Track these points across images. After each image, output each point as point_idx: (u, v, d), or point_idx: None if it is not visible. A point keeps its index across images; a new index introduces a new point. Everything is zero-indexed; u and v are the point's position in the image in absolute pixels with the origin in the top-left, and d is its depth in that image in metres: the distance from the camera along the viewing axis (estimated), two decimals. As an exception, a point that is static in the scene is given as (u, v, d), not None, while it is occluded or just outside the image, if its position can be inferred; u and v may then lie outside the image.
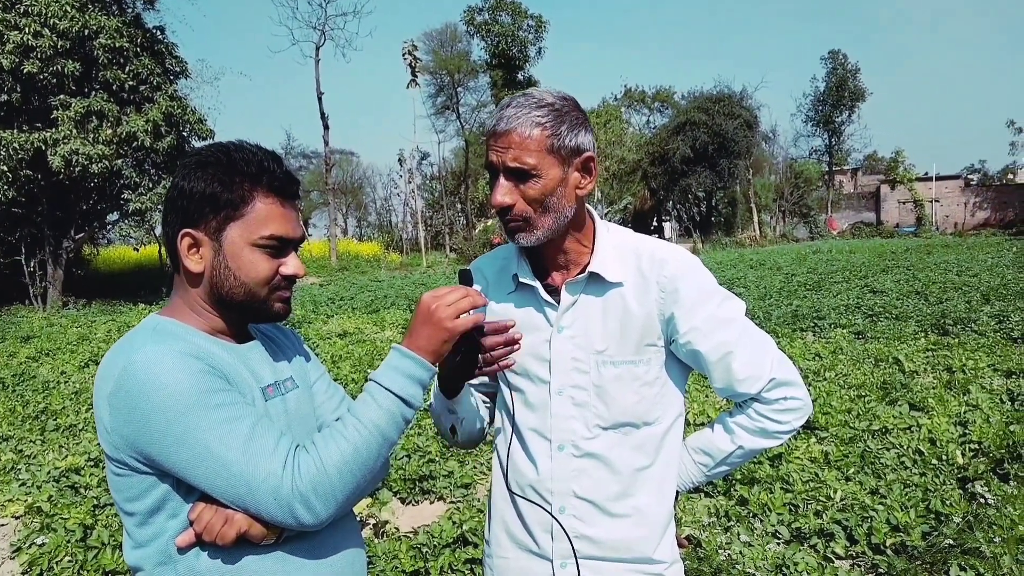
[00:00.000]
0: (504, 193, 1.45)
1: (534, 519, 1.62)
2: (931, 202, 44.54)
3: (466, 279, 1.44)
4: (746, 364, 1.54)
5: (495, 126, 1.45)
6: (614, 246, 1.58)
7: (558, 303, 1.57)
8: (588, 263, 1.55)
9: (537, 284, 1.58)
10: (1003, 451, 4.66)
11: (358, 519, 4.32)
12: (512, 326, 1.46)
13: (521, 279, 1.59)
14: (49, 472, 5.18)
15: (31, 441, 6.13)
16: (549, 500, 1.59)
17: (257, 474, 1.18)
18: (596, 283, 1.55)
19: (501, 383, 1.68)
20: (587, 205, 1.59)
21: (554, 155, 1.43)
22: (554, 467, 1.58)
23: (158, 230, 19.83)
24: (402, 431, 1.33)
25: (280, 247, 1.34)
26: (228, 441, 1.18)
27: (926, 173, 46.28)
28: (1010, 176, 47.79)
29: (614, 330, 1.54)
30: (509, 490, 1.67)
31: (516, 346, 1.47)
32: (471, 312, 1.36)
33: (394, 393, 1.30)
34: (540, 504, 1.60)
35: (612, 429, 1.56)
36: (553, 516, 1.58)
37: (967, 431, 5.17)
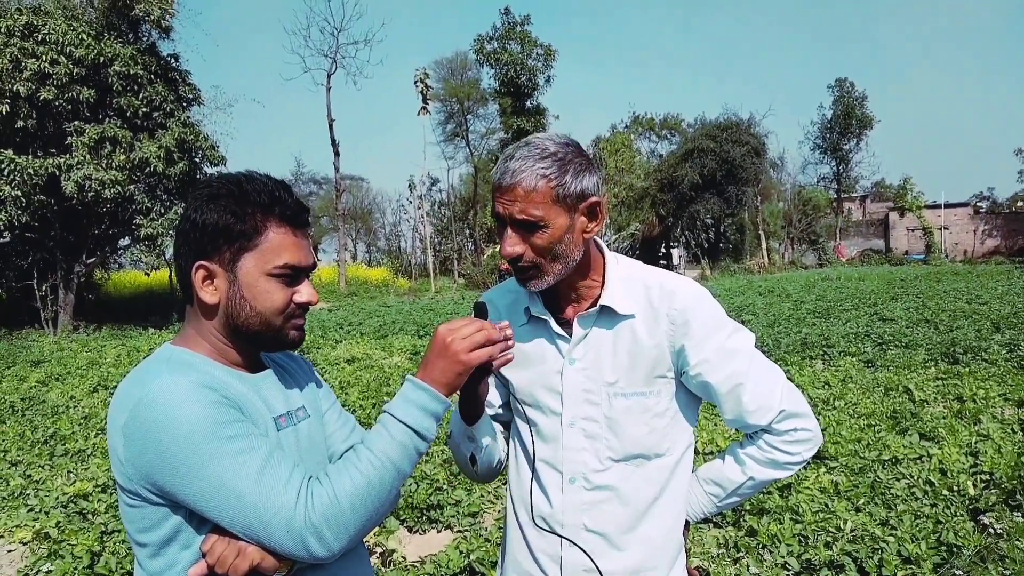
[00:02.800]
0: (513, 244, 1.48)
1: (543, 550, 1.62)
2: (940, 229, 44.46)
3: (481, 312, 1.46)
4: (756, 395, 1.55)
5: (500, 180, 1.47)
6: (624, 278, 1.59)
7: (570, 335, 1.58)
8: (599, 296, 1.57)
9: (549, 317, 1.60)
10: (1015, 482, 4.61)
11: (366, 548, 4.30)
12: (509, 331, 1.43)
13: (533, 312, 1.61)
14: (57, 498, 5.19)
15: (40, 466, 6.14)
16: (559, 533, 1.60)
17: (270, 506, 1.18)
18: (607, 316, 1.57)
19: (515, 415, 1.69)
20: (597, 239, 1.61)
21: (560, 204, 1.45)
22: (565, 500, 1.59)
23: (169, 255, 19.93)
24: (415, 464, 1.34)
25: (294, 275, 1.36)
26: (241, 473, 1.18)
27: (935, 201, 46.26)
28: (1019, 203, 47.80)
29: (624, 362, 1.56)
30: (517, 522, 1.68)
31: (511, 343, 1.43)
32: (486, 345, 1.37)
33: (408, 426, 1.31)
34: (554, 532, 1.60)
35: (624, 461, 1.57)
36: (569, 540, 1.58)
37: (978, 461, 5.12)
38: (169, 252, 19.48)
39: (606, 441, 1.57)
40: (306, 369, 1.58)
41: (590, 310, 1.57)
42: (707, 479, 1.67)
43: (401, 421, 1.31)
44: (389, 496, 1.29)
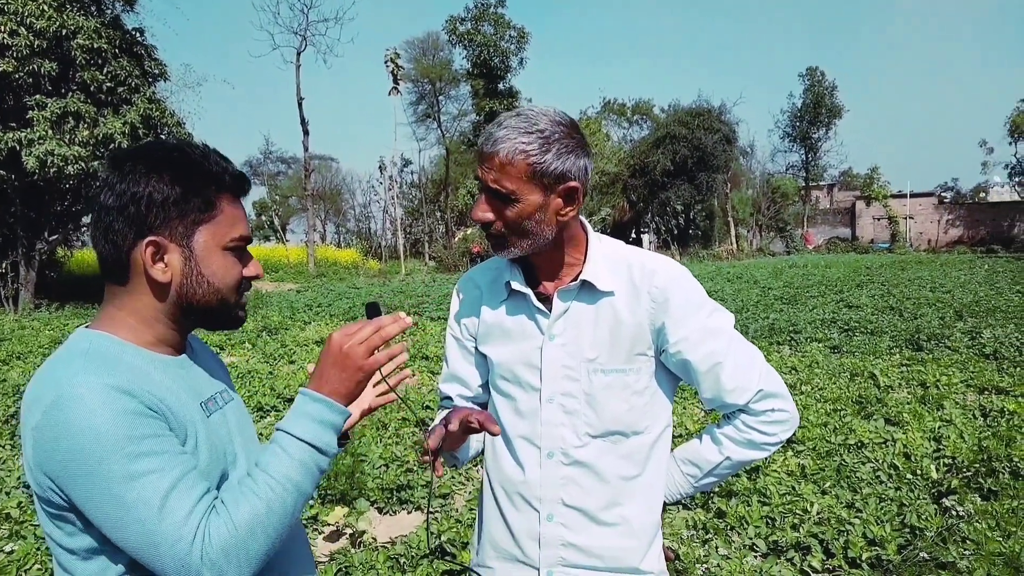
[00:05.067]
0: (484, 211, 1.47)
1: (521, 527, 1.62)
2: (905, 219, 45.18)
3: (374, 312, 1.37)
4: (735, 375, 1.55)
5: (483, 145, 1.44)
6: (605, 256, 1.58)
7: (550, 311, 1.57)
8: (580, 272, 1.56)
9: (529, 291, 1.58)
10: (976, 466, 4.72)
11: (335, 529, 4.28)
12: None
13: (514, 286, 1.59)
14: (19, 478, 5.09)
15: (0, 446, 6.01)
16: (537, 508, 1.59)
17: (166, 537, 1.09)
18: (588, 291, 1.56)
19: (492, 390, 1.68)
20: (580, 217, 1.59)
21: (534, 181, 1.42)
22: (543, 474, 1.58)
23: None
24: (317, 481, 1.24)
25: (244, 248, 1.31)
26: (144, 496, 1.09)
27: (900, 190, 47.00)
28: (982, 194, 48.75)
29: (605, 338, 1.55)
30: (494, 499, 1.67)
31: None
32: (384, 346, 1.29)
33: (306, 442, 1.21)
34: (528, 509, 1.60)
35: (601, 437, 1.57)
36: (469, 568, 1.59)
37: (941, 446, 5.23)
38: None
39: (585, 417, 1.56)
40: (209, 351, 1.49)
41: (571, 285, 1.56)
42: (684, 459, 1.67)
43: (299, 438, 1.21)
44: (292, 519, 1.21)
